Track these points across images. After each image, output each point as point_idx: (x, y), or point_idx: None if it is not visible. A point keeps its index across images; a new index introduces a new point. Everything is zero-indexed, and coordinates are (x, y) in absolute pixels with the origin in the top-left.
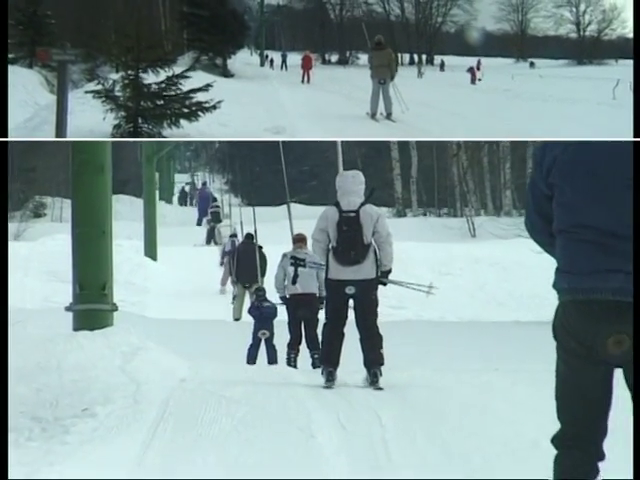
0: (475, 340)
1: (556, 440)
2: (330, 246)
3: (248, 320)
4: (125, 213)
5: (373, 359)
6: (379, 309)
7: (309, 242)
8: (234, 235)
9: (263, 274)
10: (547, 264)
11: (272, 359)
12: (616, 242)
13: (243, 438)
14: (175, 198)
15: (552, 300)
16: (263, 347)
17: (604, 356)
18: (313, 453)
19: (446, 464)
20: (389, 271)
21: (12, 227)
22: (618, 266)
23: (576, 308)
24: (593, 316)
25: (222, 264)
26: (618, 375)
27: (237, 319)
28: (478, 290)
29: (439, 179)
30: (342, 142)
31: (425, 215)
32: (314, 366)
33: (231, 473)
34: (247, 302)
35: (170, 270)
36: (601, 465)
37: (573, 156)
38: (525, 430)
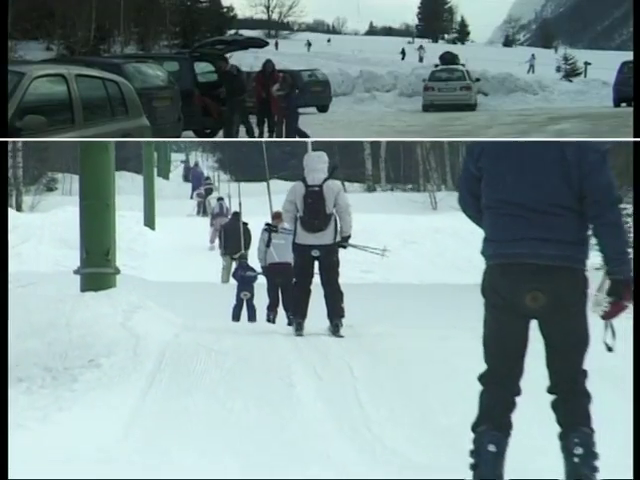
0: (436, 301)
1: (482, 379)
2: (298, 216)
3: (234, 283)
4: (127, 188)
5: (335, 312)
6: (352, 273)
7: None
8: (221, 199)
9: (247, 247)
10: None
11: (251, 317)
12: (532, 215)
13: (230, 387)
14: (171, 175)
15: None
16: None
17: (523, 309)
18: (293, 401)
19: (409, 409)
20: (348, 237)
21: (27, 199)
22: (534, 235)
23: (500, 270)
24: (514, 276)
25: (212, 225)
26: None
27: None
28: (439, 257)
29: (405, 158)
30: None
31: (392, 190)
32: (289, 324)
33: (220, 418)
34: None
35: (166, 237)
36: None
37: (499, 143)
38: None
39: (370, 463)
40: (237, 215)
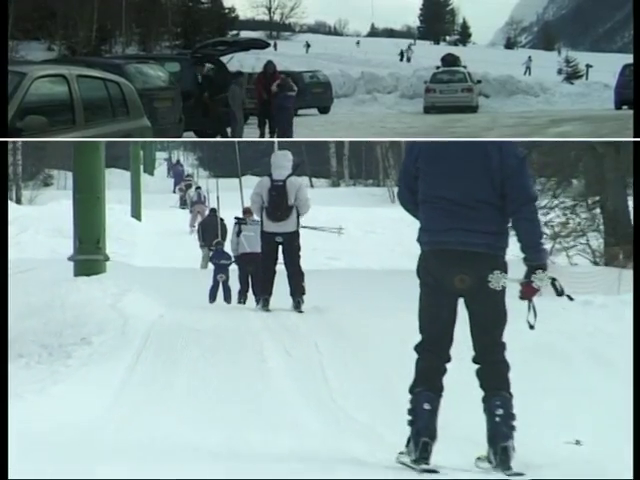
0: (395, 285)
1: (418, 347)
2: (263, 206)
3: (212, 269)
4: (116, 183)
5: (297, 290)
6: (319, 260)
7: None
8: (198, 188)
9: (223, 239)
10: None
11: (227, 297)
12: (461, 209)
13: (209, 363)
14: (156, 171)
15: None
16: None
17: (451, 289)
18: (265, 375)
19: (370, 381)
20: (303, 227)
21: (26, 194)
22: (462, 226)
23: (433, 255)
24: (444, 261)
25: (191, 211)
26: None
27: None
28: (397, 245)
29: (366, 156)
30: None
31: (354, 185)
32: (257, 304)
33: (199, 390)
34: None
35: (152, 228)
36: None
37: (434, 147)
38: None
39: (334, 431)
40: (214, 211)
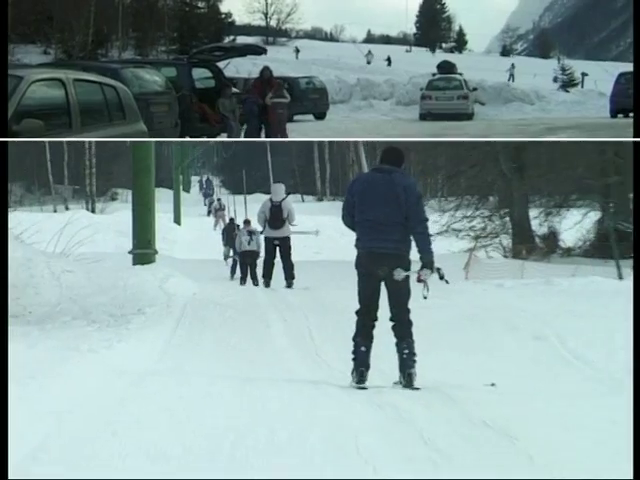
0: None
1: (357, 312)
2: (266, 219)
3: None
4: (163, 198)
5: (289, 275)
6: (307, 254)
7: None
8: (219, 199)
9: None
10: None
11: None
12: (380, 226)
13: (229, 328)
14: (192, 190)
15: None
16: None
17: (376, 276)
18: (268, 336)
19: (346, 342)
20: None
21: (98, 206)
22: (381, 237)
23: (364, 255)
24: (371, 259)
25: (214, 216)
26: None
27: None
28: None
29: (342, 179)
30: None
31: (334, 200)
32: (259, 284)
33: (221, 349)
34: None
35: (188, 230)
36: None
37: (361, 184)
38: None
39: (317, 376)
40: (232, 220)
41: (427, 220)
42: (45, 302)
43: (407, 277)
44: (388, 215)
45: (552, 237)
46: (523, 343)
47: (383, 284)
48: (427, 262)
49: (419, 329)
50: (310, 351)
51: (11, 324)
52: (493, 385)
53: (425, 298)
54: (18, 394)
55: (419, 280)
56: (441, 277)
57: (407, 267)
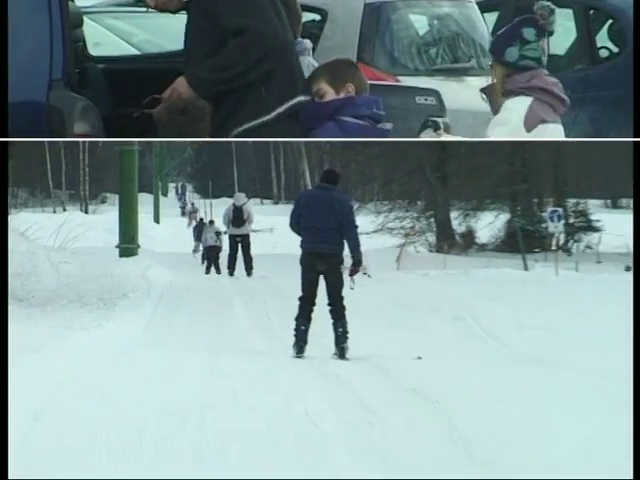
0: None
1: (300, 299)
2: (230, 220)
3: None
4: (144, 201)
5: (248, 265)
6: (265, 249)
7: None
8: (192, 203)
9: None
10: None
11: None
12: (320, 231)
13: (199, 310)
14: (169, 194)
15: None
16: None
17: (316, 270)
18: (232, 317)
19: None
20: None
21: (91, 207)
22: (320, 240)
23: (307, 254)
24: (312, 257)
25: (188, 217)
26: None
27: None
28: None
29: (294, 185)
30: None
31: (288, 203)
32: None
33: (193, 327)
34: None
35: (165, 228)
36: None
37: (306, 198)
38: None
39: (274, 349)
40: (202, 220)
41: (357, 227)
42: (45, 288)
43: (342, 271)
44: (326, 223)
45: (469, 235)
46: (444, 322)
47: (322, 278)
48: (357, 260)
49: (359, 310)
50: (267, 329)
51: (17, 307)
52: (419, 358)
53: (352, 288)
54: (23, 365)
55: (350, 274)
56: (364, 272)
57: (341, 264)
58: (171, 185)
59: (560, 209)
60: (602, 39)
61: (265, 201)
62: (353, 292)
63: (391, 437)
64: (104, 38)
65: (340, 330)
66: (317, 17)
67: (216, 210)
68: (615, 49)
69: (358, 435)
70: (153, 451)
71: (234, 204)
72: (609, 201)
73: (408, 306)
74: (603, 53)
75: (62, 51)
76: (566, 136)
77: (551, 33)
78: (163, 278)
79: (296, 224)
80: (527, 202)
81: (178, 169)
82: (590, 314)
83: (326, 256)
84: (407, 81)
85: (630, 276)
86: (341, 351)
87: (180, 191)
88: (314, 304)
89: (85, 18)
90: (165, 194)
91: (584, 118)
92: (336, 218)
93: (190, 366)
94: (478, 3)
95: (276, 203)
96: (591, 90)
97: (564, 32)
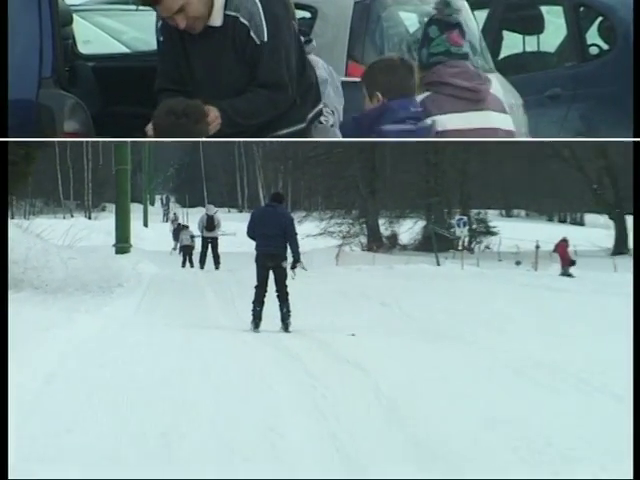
0: None
1: (255, 288)
2: (203, 225)
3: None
4: (135, 209)
5: (217, 262)
6: (232, 248)
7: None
8: (175, 214)
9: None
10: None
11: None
12: (269, 237)
13: (178, 296)
14: (156, 203)
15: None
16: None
17: (267, 267)
18: (204, 302)
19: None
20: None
21: (93, 215)
22: (270, 244)
23: (260, 254)
24: (265, 256)
25: (171, 223)
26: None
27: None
28: None
29: (255, 197)
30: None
31: (250, 211)
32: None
33: (172, 310)
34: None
35: (152, 231)
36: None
37: (259, 213)
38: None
39: (237, 327)
40: (180, 225)
41: (296, 234)
42: (56, 278)
43: (285, 267)
44: (274, 231)
45: (393, 237)
46: (373, 307)
47: (271, 271)
48: (296, 258)
49: (303, 297)
50: (231, 310)
51: (34, 294)
52: (353, 335)
53: (293, 279)
54: (38, 340)
55: (292, 268)
56: (302, 267)
57: (284, 261)
58: (157, 197)
59: (465, 217)
60: (592, 36)
61: (232, 210)
62: (301, 282)
63: (330, 397)
64: (94, 36)
65: (284, 310)
66: (307, 15)
67: (192, 217)
68: (605, 46)
69: (303, 395)
70: (143, 402)
71: (207, 213)
72: (504, 211)
73: (344, 294)
74: (593, 50)
75: (52, 49)
76: (558, 133)
77: (457, 24)
78: (150, 271)
79: (252, 232)
80: (439, 212)
81: (163, 184)
82: (489, 300)
83: (274, 256)
84: None
85: (519, 270)
86: (285, 326)
87: (164, 202)
88: (266, 291)
89: (75, 16)
90: (152, 204)
91: (575, 115)
92: (281, 228)
93: (170, 339)
94: (468, 0)
95: (240, 211)
96: (581, 87)
97: (555, 29)
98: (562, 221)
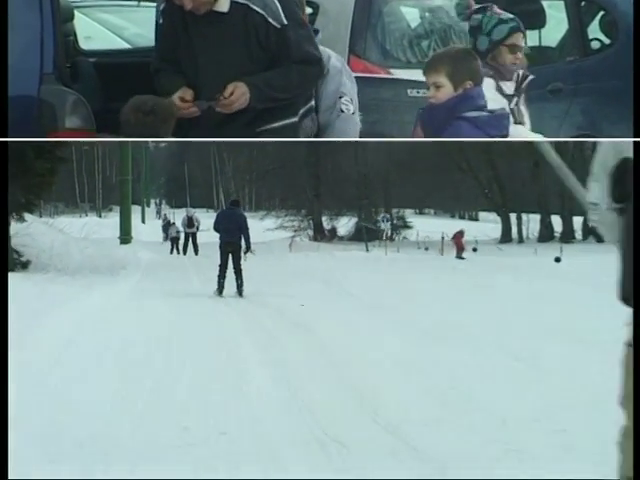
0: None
1: (219, 267)
2: (185, 223)
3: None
4: (135, 210)
5: (196, 250)
6: (208, 240)
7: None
8: (165, 213)
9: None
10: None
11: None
12: (229, 231)
13: (168, 275)
14: (152, 205)
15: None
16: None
17: (227, 252)
18: (189, 279)
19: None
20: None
21: (103, 214)
22: (229, 236)
23: (222, 243)
24: (226, 245)
25: (163, 221)
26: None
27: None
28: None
29: (229, 200)
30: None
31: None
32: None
33: (165, 288)
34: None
35: (148, 227)
36: None
37: (222, 213)
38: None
39: (211, 295)
40: (168, 221)
41: (248, 229)
42: (74, 263)
43: (240, 252)
44: (232, 226)
45: (333, 230)
46: (317, 284)
47: (230, 255)
48: (247, 246)
49: (264, 275)
50: (206, 282)
51: (57, 275)
52: (302, 305)
53: (245, 260)
54: (61, 311)
55: (244, 253)
56: (252, 252)
57: (240, 248)
58: (152, 200)
59: (388, 215)
60: (594, 31)
61: (209, 210)
62: (263, 264)
63: (280, 351)
64: (95, 32)
65: (239, 282)
66: (309, 10)
67: (177, 216)
68: (607, 41)
69: (262, 348)
70: (141, 356)
71: (187, 215)
72: (417, 210)
73: (295, 275)
74: (595, 45)
75: (53, 45)
76: (560, 127)
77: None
78: (146, 257)
79: (217, 227)
80: (368, 211)
81: (156, 190)
82: (405, 277)
83: (232, 244)
84: (399, 74)
85: (428, 254)
86: (240, 292)
87: (157, 204)
88: (227, 268)
89: (76, 12)
90: (148, 205)
91: (577, 109)
92: (238, 224)
93: (162, 305)
94: None
95: (216, 211)
96: (583, 81)
97: (556, 24)
98: (462, 217)
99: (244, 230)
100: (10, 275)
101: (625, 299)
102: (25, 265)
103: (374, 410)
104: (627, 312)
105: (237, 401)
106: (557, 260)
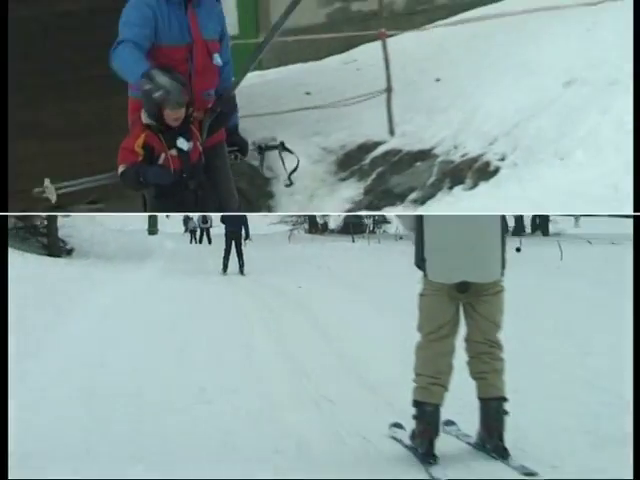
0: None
1: (225, 251)
2: (200, 220)
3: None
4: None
5: (209, 240)
6: (219, 232)
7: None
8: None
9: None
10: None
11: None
12: (233, 224)
13: (188, 259)
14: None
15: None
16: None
17: (232, 238)
18: (204, 261)
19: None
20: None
21: None
22: (233, 228)
23: (228, 232)
24: (230, 233)
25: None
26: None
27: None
28: None
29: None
30: None
31: None
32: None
33: (185, 267)
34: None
35: (172, 221)
36: None
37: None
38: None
39: (216, 269)
40: (188, 217)
41: (247, 221)
42: (111, 251)
43: (242, 240)
44: (236, 222)
45: (325, 225)
46: (312, 269)
47: (233, 241)
48: (247, 234)
49: (266, 261)
50: (217, 264)
51: (97, 261)
52: (300, 287)
53: (245, 246)
54: (101, 289)
55: (244, 240)
56: (250, 240)
57: (241, 237)
58: None
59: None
60: None
61: None
62: (266, 252)
63: (282, 324)
64: None
65: (241, 263)
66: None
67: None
68: None
69: (261, 320)
70: (167, 324)
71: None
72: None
73: (294, 262)
74: None
75: None
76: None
77: None
78: (170, 245)
79: (223, 219)
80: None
81: None
82: (385, 263)
83: (235, 232)
84: None
85: (400, 245)
86: (241, 271)
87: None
88: (230, 252)
89: None
90: None
91: None
92: (239, 217)
93: (180, 284)
94: None
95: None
96: None
97: None
98: None
99: (244, 222)
100: (57, 260)
101: (418, 265)
102: (70, 252)
103: (359, 373)
104: (419, 275)
105: (246, 361)
106: (517, 250)
